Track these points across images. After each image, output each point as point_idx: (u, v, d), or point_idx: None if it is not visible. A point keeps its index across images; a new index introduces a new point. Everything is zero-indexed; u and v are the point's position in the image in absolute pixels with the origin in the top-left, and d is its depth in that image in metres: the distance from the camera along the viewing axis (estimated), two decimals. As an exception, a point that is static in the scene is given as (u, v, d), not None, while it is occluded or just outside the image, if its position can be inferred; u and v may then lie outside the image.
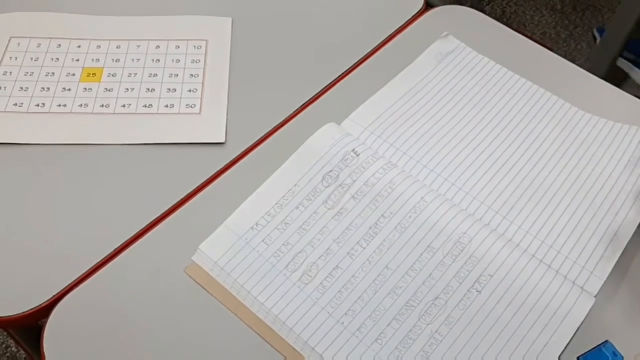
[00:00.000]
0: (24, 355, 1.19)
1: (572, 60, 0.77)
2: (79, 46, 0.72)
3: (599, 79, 0.75)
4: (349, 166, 0.62)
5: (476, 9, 0.81)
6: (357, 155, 0.62)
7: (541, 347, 0.54)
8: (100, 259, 0.56)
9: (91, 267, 0.56)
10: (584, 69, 0.75)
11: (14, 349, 1.20)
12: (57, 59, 0.71)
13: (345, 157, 0.62)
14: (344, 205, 0.60)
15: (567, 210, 0.63)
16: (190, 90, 0.69)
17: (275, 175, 0.62)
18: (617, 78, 1.77)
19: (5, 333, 1.10)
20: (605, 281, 0.59)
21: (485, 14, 0.81)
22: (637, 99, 0.73)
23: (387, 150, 0.65)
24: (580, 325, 0.55)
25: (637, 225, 0.62)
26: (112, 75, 0.70)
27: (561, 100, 0.72)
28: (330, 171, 0.62)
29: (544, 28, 1.91)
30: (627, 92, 0.74)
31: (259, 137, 0.66)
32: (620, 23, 1.60)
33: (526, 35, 0.78)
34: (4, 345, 1.21)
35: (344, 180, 0.61)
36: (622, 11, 1.58)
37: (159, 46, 0.73)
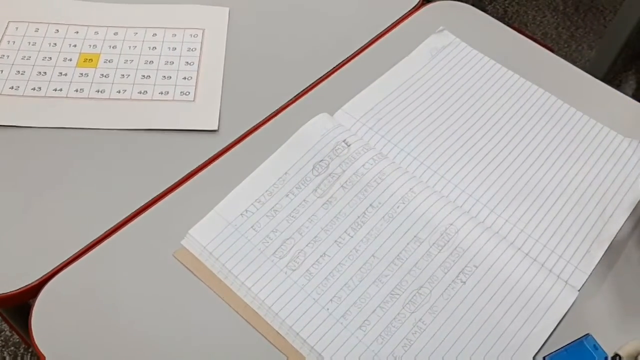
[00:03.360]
0: (17, 339, 1.20)
1: (573, 62, 0.77)
2: (77, 32, 0.73)
3: (595, 80, 0.75)
4: (339, 156, 0.62)
5: (477, 8, 0.81)
6: (348, 145, 0.63)
7: (523, 338, 0.54)
8: (90, 241, 0.57)
9: (81, 249, 0.57)
10: (585, 71, 0.76)
11: (7, 333, 1.21)
12: (55, 44, 0.72)
13: (336, 147, 0.63)
14: (333, 194, 0.61)
15: (555, 205, 0.63)
16: (185, 78, 0.70)
17: (266, 164, 0.62)
18: (617, 80, 1.77)
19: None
20: (589, 276, 0.59)
21: (487, 13, 0.81)
22: (635, 101, 0.73)
23: (378, 142, 0.66)
24: (562, 318, 0.56)
25: (622, 222, 0.63)
26: (109, 62, 0.71)
27: (554, 97, 0.72)
28: (321, 161, 0.62)
29: (546, 29, 1.92)
30: (626, 94, 0.75)
31: (251, 126, 0.66)
32: (622, 25, 1.60)
33: (525, 34, 0.79)
34: (-2, 330, 1.22)
35: (334, 170, 0.62)
36: (624, 13, 1.59)
37: (155, 34, 0.74)
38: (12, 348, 1.19)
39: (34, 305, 0.53)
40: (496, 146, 0.67)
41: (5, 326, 1.21)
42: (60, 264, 0.56)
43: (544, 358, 0.54)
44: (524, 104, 0.71)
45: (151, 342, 0.52)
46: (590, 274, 0.59)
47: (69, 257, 0.56)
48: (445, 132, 0.68)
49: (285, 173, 0.62)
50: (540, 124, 0.69)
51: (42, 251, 0.56)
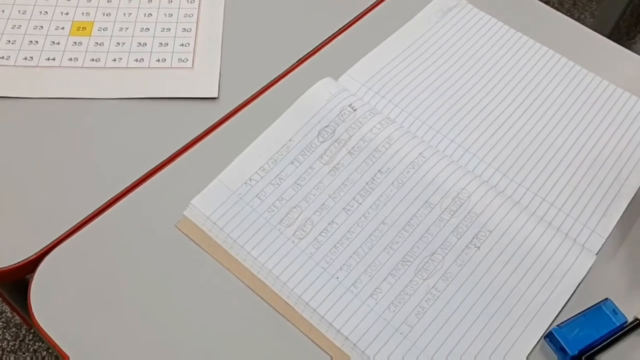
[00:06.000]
0: (18, 321, 1.19)
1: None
2: (69, 0, 0.70)
3: (604, 38, 0.73)
4: (345, 121, 0.60)
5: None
6: (354, 110, 0.60)
7: (540, 304, 0.53)
8: (89, 213, 0.55)
9: (80, 221, 0.54)
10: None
11: (9, 314, 1.20)
12: (46, 12, 0.69)
13: (342, 112, 0.60)
14: (340, 160, 0.58)
15: (569, 168, 0.61)
16: (182, 45, 0.67)
17: (269, 130, 0.60)
18: (623, 37, 1.75)
19: (0, 299, 1.10)
20: (606, 239, 0.57)
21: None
22: (643, 58, 0.71)
23: (385, 107, 0.63)
24: (580, 283, 0.54)
25: (639, 184, 0.61)
26: (103, 30, 0.68)
27: (564, 58, 0.70)
28: (327, 126, 0.60)
29: (548, -3, 1.88)
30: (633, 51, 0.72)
31: (253, 93, 0.64)
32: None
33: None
34: (-1, 311, 1.20)
35: (340, 136, 0.59)
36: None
37: (151, 0, 0.71)
38: (14, 329, 1.18)
39: (32, 280, 0.51)
40: (507, 109, 0.65)
41: (6, 308, 1.20)
42: (58, 237, 0.54)
43: (559, 325, 0.52)
44: (534, 66, 0.69)
45: (155, 315, 0.51)
46: (608, 237, 0.57)
47: (66, 230, 0.54)
48: (454, 96, 0.65)
49: (290, 140, 0.59)
50: (552, 86, 0.67)
51: (38, 225, 0.54)
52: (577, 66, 0.69)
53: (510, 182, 0.59)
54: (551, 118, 0.64)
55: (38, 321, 0.49)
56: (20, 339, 1.17)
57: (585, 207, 0.59)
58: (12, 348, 1.15)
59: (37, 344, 1.16)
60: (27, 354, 1.16)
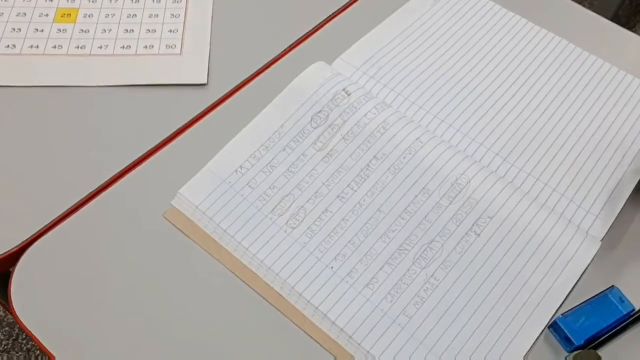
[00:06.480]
0: (11, 319, 1.16)
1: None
2: (53, -14, 0.68)
3: (605, 20, 0.70)
4: (339, 106, 0.58)
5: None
6: (348, 95, 0.58)
7: (544, 292, 0.50)
8: (73, 203, 0.53)
9: (64, 212, 0.52)
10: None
11: (1, 313, 1.17)
12: (29, -1, 0.67)
13: (335, 96, 0.58)
14: (334, 146, 0.56)
15: (571, 153, 0.59)
16: (170, 31, 0.65)
17: (260, 116, 0.58)
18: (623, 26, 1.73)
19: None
20: (611, 225, 0.55)
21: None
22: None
23: (381, 91, 0.61)
24: (585, 271, 0.52)
25: (645, 167, 0.59)
26: (89, 16, 0.66)
27: (565, 41, 0.67)
28: (320, 111, 0.58)
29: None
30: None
31: (243, 79, 0.62)
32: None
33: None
34: (-9, 311, 1.18)
35: (334, 121, 0.57)
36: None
37: (138, -14, 0.69)
38: (7, 328, 1.16)
39: (12, 274, 0.49)
40: (506, 92, 0.63)
41: (-2, 306, 1.18)
42: (41, 229, 0.51)
43: (563, 314, 0.50)
44: (534, 49, 0.67)
45: (143, 309, 0.48)
46: (613, 223, 0.55)
47: (50, 221, 0.52)
48: (452, 80, 0.63)
49: (282, 126, 0.57)
50: (552, 69, 0.65)
51: (20, 216, 0.52)
52: (577, 49, 0.67)
53: (510, 167, 0.57)
54: (552, 101, 0.62)
55: (18, 316, 0.47)
56: (14, 337, 1.15)
57: (588, 192, 0.57)
58: (5, 347, 1.13)
59: (30, 342, 1.14)
60: (20, 353, 1.14)
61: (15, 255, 0.50)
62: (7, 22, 0.65)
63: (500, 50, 0.66)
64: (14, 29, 0.64)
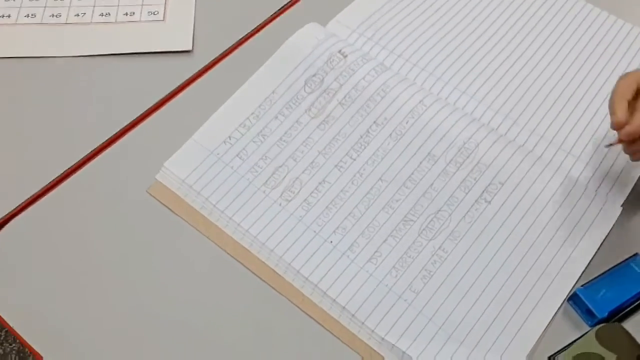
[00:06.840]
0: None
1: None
2: (25, -48, 0.63)
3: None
4: (335, 69, 0.53)
5: None
6: (345, 57, 0.54)
7: (562, 262, 0.47)
8: (51, 179, 0.49)
9: (42, 188, 0.49)
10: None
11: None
12: (0, -34, 0.62)
13: (330, 59, 0.54)
14: (330, 112, 0.52)
15: (586, 113, 0.55)
16: (152, -4, 0.61)
17: (250, 82, 0.54)
18: None
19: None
20: (632, 190, 0.51)
21: None
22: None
23: (380, 54, 0.57)
24: (605, 238, 0.48)
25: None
26: (64, -17, 0.62)
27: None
28: (314, 75, 0.53)
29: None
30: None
31: (231, 44, 0.58)
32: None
33: None
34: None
35: (329, 85, 0.53)
36: None
37: (116, -50, 0.64)
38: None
39: (-15, 256, 0.45)
40: (513, 52, 0.58)
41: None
42: (17, 206, 0.48)
43: (583, 286, 0.46)
44: (542, 6, 0.62)
45: (128, 289, 0.45)
46: (633, 187, 0.51)
47: (26, 198, 0.48)
48: (455, 40, 0.59)
49: (273, 92, 0.53)
50: (562, 26, 0.61)
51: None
52: (588, 5, 0.62)
53: (521, 130, 0.53)
54: (563, 60, 0.58)
55: (-10, 302, 0.43)
56: (6, 329, 1.11)
57: (605, 156, 0.53)
58: (-2, 339, 1.10)
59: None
60: (14, 344, 1.10)
61: (-13, 237, 0.46)
62: (-24, -9, 0.60)
63: (506, 8, 0.61)
64: (-17, -1, 0.60)
